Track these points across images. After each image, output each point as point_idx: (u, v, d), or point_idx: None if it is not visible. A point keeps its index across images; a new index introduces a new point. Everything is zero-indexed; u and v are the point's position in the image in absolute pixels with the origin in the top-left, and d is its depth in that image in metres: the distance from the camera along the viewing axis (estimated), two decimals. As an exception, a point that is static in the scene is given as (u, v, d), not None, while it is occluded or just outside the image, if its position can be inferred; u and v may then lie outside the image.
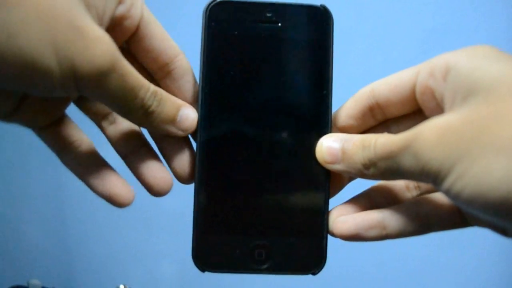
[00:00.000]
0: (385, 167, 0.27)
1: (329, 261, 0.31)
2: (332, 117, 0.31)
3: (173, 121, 0.30)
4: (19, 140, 0.89)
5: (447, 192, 0.24)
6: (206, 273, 0.31)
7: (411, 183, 0.32)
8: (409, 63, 0.29)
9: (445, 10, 0.72)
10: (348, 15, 0.73)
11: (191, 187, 0.31)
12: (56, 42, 0.23)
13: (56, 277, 0.97)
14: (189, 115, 0.30)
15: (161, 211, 0.84)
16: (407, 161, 0.25)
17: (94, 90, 0.25)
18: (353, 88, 0.31)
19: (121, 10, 0.27)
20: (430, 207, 0.29)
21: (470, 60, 0.25)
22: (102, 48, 0.24)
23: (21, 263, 1.00)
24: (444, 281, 0.79)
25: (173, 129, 0.30)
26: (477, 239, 0.73)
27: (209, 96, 0.30)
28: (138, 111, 0.27)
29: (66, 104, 0.31)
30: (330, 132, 0.31)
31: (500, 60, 0.25)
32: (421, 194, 0.31)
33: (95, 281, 0.96)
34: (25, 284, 0.85)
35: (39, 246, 0.99)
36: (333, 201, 0.31)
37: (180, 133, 0.30)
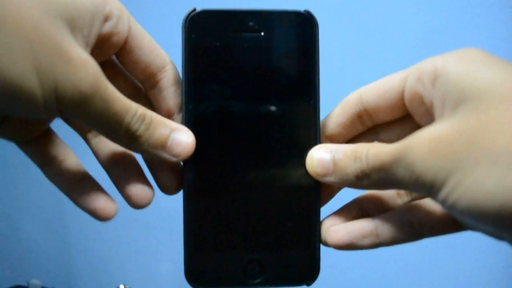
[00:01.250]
0: (378, 178, 0.27)
1: (323, 270, 0.31)
2: (320, 126, 0.30)
3: (163, 146, 0.28)
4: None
5: (442, 203, 0.24)
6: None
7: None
8: (402, 67, 0.29)
9: (440, 10, 0.71)
10: (335, 20, 0.72)
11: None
12: (39, 65, 0.22)
13: (56, 277, 0.97)
14: (181, 140, 0.28)
15: (160, 212, 0.84)
16: (400, 173, 0.25)
17: (77, 114, 0.25)
18: (343, 93, 0.30)
19: (108, 27, 0.27)
20: (423, 214, 0.29)
21: (459, 65, 0.25)
22: (86, 72, 0.24)
23: (21, 263, 1.00)
24: (442, 283, 0.79)
25: (164, 155, 0.28)
26: (474, 242, 0.73)
27: (192, 111, 0.29)
28: (124, 135, 0.26)
29: (50, 119, 0.30)
30: (320, 142, 0.30)
31: (489, 65, 0.24)
32: (413, 200, 0.31)
33: (95, 281, 0.96)
34: (25, 284, 0.86)
35: (39, 246, 0.99)
36: (323, 210, 0.31)
37: (173, 159, 0.28)
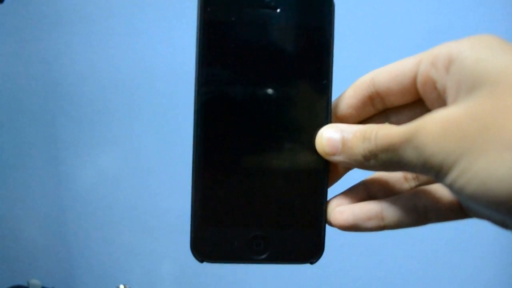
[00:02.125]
0: (386, 159, 0.27)
1: (327, 250, 0.31)
2: (332, 106, 0.31)
3: None
4: (19, 140, 0.89)
5: (449, 187, 0.24)
6: (205, 263, 0.31)
7: (409, 174, 0.32)
8: (409, 54, 0.29)
9: (446, 7, 0.72)
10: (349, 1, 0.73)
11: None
12: None
13: (56, 277, 0.97)
14: None
15: (160, 212, 0.84)
16: (409, 154, 0.25)
17: None
18: (352, 77, 0.31)
19: None
20: (429, 199, 0.29)
21: (474, 51, 0.24)
22: None
23: (21, 263, 1.00)
24: (444, 281, 0.79)
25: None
26: (476, 241, 0.73)
27: (204, 86, 0.29)
28: None
29: None
30: (330, 122, 0.30)
31: (504, 51, 0.24)
32: (420, 185, 0.31)
33: (95, 281, 0.96)
34: (25, 284, 0.85)
35: (38, 246, 0.99)
36: (330, 191, 0.31)
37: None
